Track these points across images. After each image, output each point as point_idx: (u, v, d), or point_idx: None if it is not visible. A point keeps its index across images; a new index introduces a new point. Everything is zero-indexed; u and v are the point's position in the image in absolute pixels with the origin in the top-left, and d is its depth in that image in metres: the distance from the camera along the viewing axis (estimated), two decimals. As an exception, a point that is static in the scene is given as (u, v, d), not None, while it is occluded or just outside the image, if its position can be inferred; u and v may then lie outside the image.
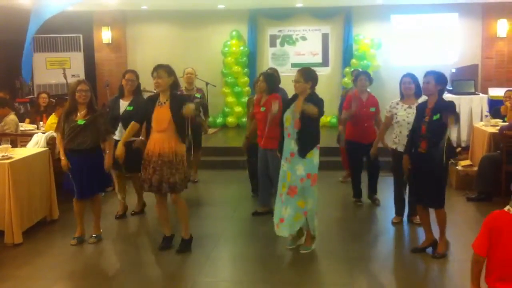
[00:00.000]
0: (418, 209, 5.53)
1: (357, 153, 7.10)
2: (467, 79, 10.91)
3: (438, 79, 5.24)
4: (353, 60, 12.29)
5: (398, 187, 6.42)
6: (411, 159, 5.34)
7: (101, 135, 5.71)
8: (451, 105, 5.29)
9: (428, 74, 5.31)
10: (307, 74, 5.37)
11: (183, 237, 5.61)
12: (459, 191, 7.71)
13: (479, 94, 10.40)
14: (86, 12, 12.72)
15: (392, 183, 6.55)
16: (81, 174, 5.65)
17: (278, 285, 4.91)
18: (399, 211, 6.49)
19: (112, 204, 7.09)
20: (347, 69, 12.24)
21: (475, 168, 7.63)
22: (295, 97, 5.48)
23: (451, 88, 10.41)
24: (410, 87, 6.12)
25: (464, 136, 9.78)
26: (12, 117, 7.86)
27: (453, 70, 11.62)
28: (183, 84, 7.95)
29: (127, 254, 5.63)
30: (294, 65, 12.92)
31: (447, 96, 9.76)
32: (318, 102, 5.25)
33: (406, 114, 6.04)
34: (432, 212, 5.46)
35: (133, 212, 6.88)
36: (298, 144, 5.30)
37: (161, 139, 5.30)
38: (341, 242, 5.91)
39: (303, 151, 5.29)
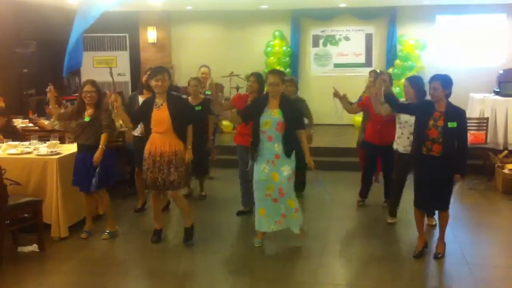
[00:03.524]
0: (416, 211, 5.42)
1: (373, 154, 6.94)
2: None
3: (445, 83, 5.10)
4: (397, 61, 12.15)
5: (397, 188, 6.30)
6: (422, 163, 5.17)
7: (101, 129, 5.83)
8: (462, 114, 5.16)
9: (434, 79, 5.13)
10: (282, 76, 5.49)
11: (185, 226, 5.84)
12: (505, 195, 7.54)
13: (527, 96, 10.13)
14: (132, 12, 12.97)
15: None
16: (85, 169, 5.79)
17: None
18: (394, 212, 6.42)
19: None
20: (390, 70, 12.12)
21: (522, 172, 7.45)
22: (264, 100, 5.48)
23: (498, 90, 10.19)
24: (408, 91, 5.96)
25: (511, 139, 9.54)
26: (61, 113, 8.07)
27: (501, 72, 11.37)
28: None
29: (165, 250, 5.72)
30: (336, 65, 12.89)
31: (494, 98, 9.64)
32: (296, 107, 5.57)
33: (408, 116, 5.88)
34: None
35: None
36: (284, 145, 5.37)
37: (161, 139, 5.49)
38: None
39: (289, 151, 5.40)
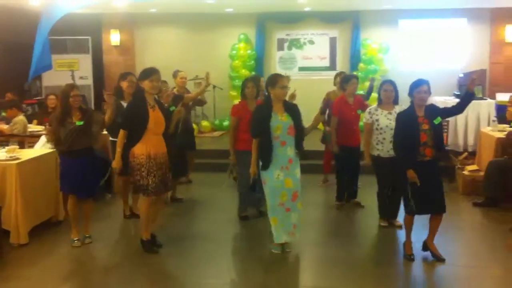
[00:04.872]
0: (409, 217, 5.40)
1: (344, 156, 6.99)
2: (475, 84, 10.85)
3: (429, 86, 5.23)
4: (361, 65, 12.28)
5: (382, 193, 6.35)
6: (416, 171, 5.12)
7: (93, 135, 5.78)
8: (435, 105, 5.40)
9: (423, 82, 5.20)
10: None
11: (152, 233, 5.74)
12: (465, 196, 7.69)
13: (486, 99, 10.37)
14: (95, 15, 12.79)
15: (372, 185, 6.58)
16: (82, 174, 5.67)
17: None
18: (385, 214, 6.45)
19: (119, 205, 7.09)
20: (354, 73, 12.24)
21: (482, 173, 7.60)
22: (267, 106, 5.44)
23: (458, 93, 10.39)
24: (392, 95, 6.12)
25: (471, 141, 9.75)
26: (21, 117, 7.93)
27: (461, 75, 11.60)
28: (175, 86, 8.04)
29: (131, 255, 5.63)
30: (301, 68, 12.96)
31: (455, 101, 9.80)
32: (298, 109, 5.55)
33: (388, 121, 6.03)
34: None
35: (127, 216, 6.88)
36: (298, 148, 5.41)
37: (159, 141, 5.47)
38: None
39: (304, 153, 5.47)
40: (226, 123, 12.65)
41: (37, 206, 6.08)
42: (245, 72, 12.55)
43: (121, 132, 5.42)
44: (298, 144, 5.41)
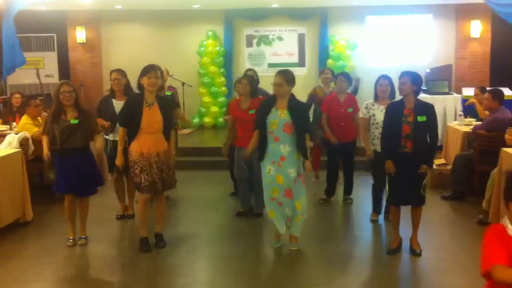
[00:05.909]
0: (394, 209, 5.51)
1: (335, 152, 7.13)
2: (441, 79, 11.05)
3: (414, 79, 5.25)
4: (329, 61, 12.35)
5: (377, 187, 6.41)
6: (395, 160, 5.23)
7: (91, 134, 5.70)
8: (431, 108, 5.35)
9: (403, 74, 5.29)
10: (289, 79, 5.40)
11: (160, 232, 5.75)
12: (433, 189, 7.78)
13: (453, 94, 10.54)
14: (60, 12, 12.57)
15: (367, 181, 6.63)
16: (75, 173, 5.57)
17: (254, 286, 4.91)
18: (377, 209, 6.53)
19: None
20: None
21: (449, 167, 7.72)
22: (271, 100, 5.46)
23: (425, 88, 10.51)
24: (387, 89, 6.18)
25: (438, 135, 9.87)
26: (-15, 117, 7.74)
27: (428, 70, 11.75)
28: None
29: (104, 256, 5.55)
30: (270, 65, 12.96)
31: (421, 96, 9.93)
32: (304, 110, 5.58)
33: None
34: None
35: (119, 216, 6.75)
36: (297, 147, 5.35)
37: (154, 140, 5.37)
38: (318, 241, 5.91)
39: (304, 153, 5.40)
40: (195, 120, 12.60)
41: (2, 207, 5.95)
42: (214, 69, 12.51)
43: (120, 130, 5.43)
44: (298, 141, 5.36)
